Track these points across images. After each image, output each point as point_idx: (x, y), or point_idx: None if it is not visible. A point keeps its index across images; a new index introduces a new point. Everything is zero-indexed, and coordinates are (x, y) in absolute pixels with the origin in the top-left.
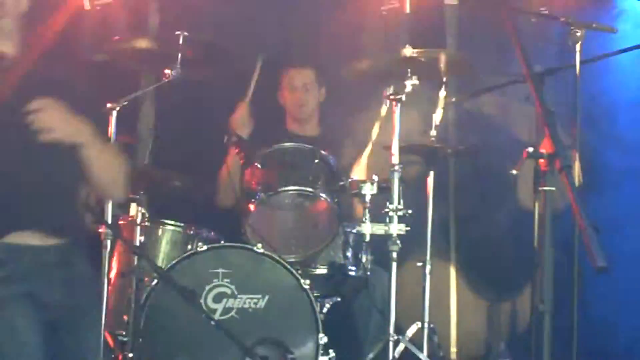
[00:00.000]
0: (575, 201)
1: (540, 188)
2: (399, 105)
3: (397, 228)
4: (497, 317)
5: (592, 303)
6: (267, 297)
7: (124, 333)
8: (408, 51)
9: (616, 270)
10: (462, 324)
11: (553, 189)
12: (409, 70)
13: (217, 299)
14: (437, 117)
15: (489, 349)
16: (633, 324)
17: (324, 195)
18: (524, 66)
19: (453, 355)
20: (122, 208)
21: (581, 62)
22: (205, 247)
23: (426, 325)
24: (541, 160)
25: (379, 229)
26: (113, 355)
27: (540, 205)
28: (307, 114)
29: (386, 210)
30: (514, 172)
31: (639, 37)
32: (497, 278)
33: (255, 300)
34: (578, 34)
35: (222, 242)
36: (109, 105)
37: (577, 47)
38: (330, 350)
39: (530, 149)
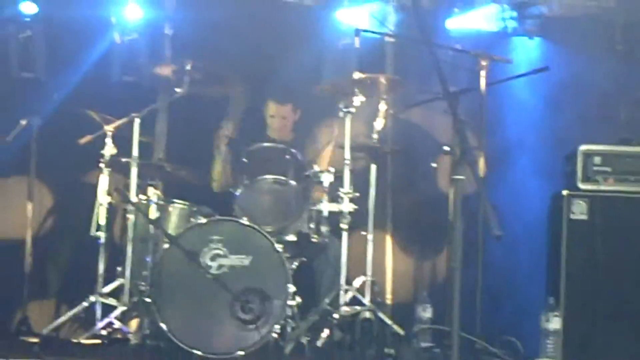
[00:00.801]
0: (479, 186)
1: (453, 177)
2: (350, 115)
3: (347, 207)
4: (421, 272)
5: (493, 263)
6: (250, 257)
7: (143, 284)
8: (357, 75)
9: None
10: (395, 277)
11: (463, 177)
12: (357, 89)
13: (213, 258)
14: (378, 124)
15: (415, 296)
16: (524, 274)
17: (293, 182)
18: (443, 87)
19: (388, 301)
20: (142, 191)
21: (486, 85)
22: (204, 220)
23: (369, 278)
24: (454, 157)
25: (334, 207)
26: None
27: (454, 189)
28: (286, 131)
29: (339, 193)
30: (434, 165)
31: (528, 67)
32: (422, 243)
33: (241, 259)
34: (483, 64)
35: (217, 216)
36: (133, 114)
37: (482, 73)
38: (297, 297)
39: (447, 148)
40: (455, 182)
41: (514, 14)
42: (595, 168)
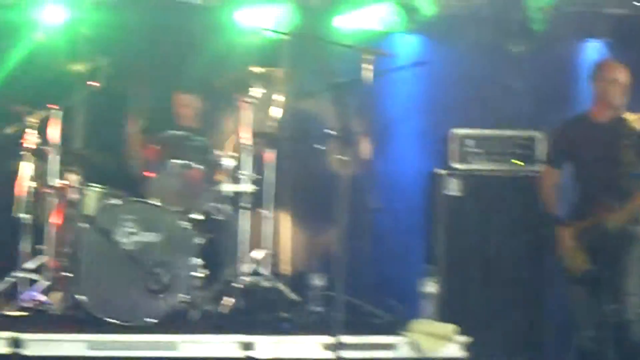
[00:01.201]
0: (362, 166)
1: (339, 157)
2: (250, 105)
3: (248, 187)
4: (315, 244)
5: (379, 234)
6: (160, 234)
7: (65, 260)
8: (256, 69)
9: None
10: (292, 250)
11: (347, 158)
12: (256, 82)
13: (126, 235)
14: (275, 113)
15: (309, 266)
16: (406, 243)
17: (199, 166)
18: (329, 79)
19: (285, 271)
20: (63, 177)
21: (372, 77)
22: (119, 201)
23: (267, 251)
24: (339, 140)
25: (237, 188)
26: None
27: (341, 168)
28: (191, 119)
29: (240, 175)
30: (323, 148)
31: (410, 60)
32: (316, 218)
33: (152, 236)
34: (368, 58)
35: (130, 198)
36: (54, 106)
37: (368, 66)
38: (203, 269)
39: (334, 132)
40: (340, 162)
41: (399, 13)
42: (468, 149)
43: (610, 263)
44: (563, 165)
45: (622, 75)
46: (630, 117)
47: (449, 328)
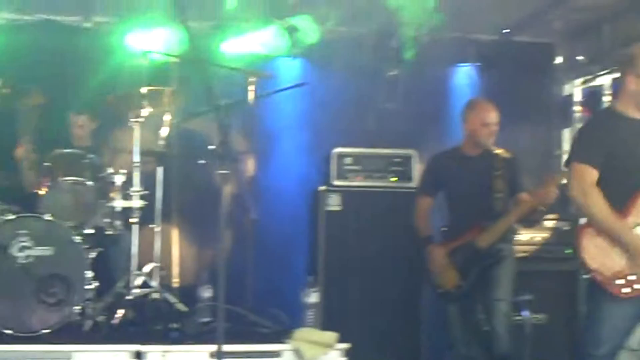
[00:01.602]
0: (242, 180)
1: (219, 171)
2: (139, 124)
3: (138, 203)
4: (203, 258)
5: (264, 246)
6: (54, 248)
7: None
8: (145, 89)
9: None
10: (181, 263)
11: (227, 171)
12: (145, 102)
13: (21, 250)
14: (164, 132)
15: (197, 278)
16: (290, 256)
17: (90, 182)
18: (211, 100)
19: (175, 284)
20: None
21: (254, 98)
22: (13, 217)
23: (157, 265)
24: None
25: (127, 204)
26: None
27: (224, 184)
28: (84, 139)
29: (130, 192)
30: (208, 164)
31: (288, 81)
32: (204, 232)
33: (46, 250)
34: (251, 80)
35: (24, 213)
36: None
37: (251, 87)
38: (95, 282)
39: (218, 149)
40: (220, 175)
41: (282, 38)
42: (346, 167)
43: (480, 279)
44: (436, 192)
45: (491, 116)
46: (498, 151)
47: (329, 336)
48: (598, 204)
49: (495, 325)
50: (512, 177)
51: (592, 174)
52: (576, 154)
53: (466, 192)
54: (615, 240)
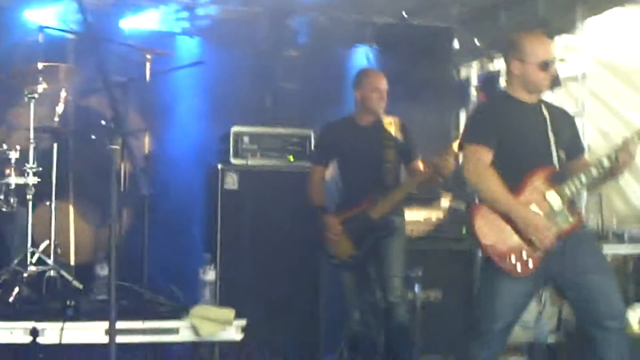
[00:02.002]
0: (131, 157)
1: (109, 146)
2: (34, 100)
3: (33, 180)
4: (100, 236)
5: (161, 224)
6: None
7: None
8: (40, 65)
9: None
10: (77, 241)
11: (117, 147)
12: (40, 77)
13: None
14: (59, 109)
15: (94, 256)
16: (188, 233)
17: None
18: (103, 76)
19: (72, 262)
20: None
21: (150, 75)
22: None
23: (53, 242)
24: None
25: (22, 181)
26: None
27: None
28: None
29: (25, 168)
30: (103, 141)
31: (187, 60)
32: (100, 210)
33: None
34: (147, 57)
35: None
36: None
37: (147, 65)
38: None
39: (103, 122)
40: (110, 150)
41: (181, 16)
42: (244, 146)
43: (373, 250)
44: (329, 162)
45: (382, 83)
46: (386, 120)
47: (226, 312)
48: (492, 183)
49: (390, 299)
50: (405, 146)
51: (487, 155)
52: (470, 136)
53: (358, 162)
54: (510, 217)
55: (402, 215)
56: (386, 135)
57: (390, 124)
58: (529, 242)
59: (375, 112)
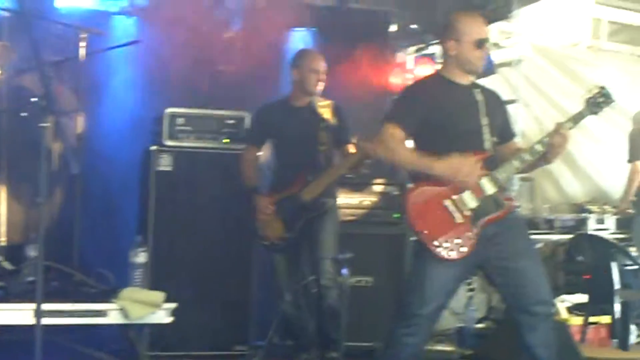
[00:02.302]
0: (59, 132)
1: (39, 125)
2: None
3: None
4: (33, 216)
5: (92, 206)
6: None
7: None
8: None
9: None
10: (8, 222)
11: (47, 124)
12: None
13: None
14: None
15: (25, 237)
16: (120, 215)
17: None
18: (36, 55)
19: (2, 243)
20: None
21: (85, 54)
22: None
23: None
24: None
25: None
26: None
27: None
28: None
29: None
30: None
31: (124, 40)
32: (30, 190)
33: None
34: (82, 36)
35: None
36: None
37: (82, 44)
38: None
39: (34, 99)
40: (41, 129)
41: None
42: (178, 127)
43: (305, 231)
44: (263, 143)
45: (320, 64)
46: (320, 103)
47: (156, 295)
48: (405, 153)
49: (321, 282)
50: (338, 129)
51: (399, 133)
52: (388, 114)
53: (292, 143)
54: (429, 173)
55: (335, 198)
56: (320, 118)
57: (325, 107)
58: (458, 189)
59: (312, 93)
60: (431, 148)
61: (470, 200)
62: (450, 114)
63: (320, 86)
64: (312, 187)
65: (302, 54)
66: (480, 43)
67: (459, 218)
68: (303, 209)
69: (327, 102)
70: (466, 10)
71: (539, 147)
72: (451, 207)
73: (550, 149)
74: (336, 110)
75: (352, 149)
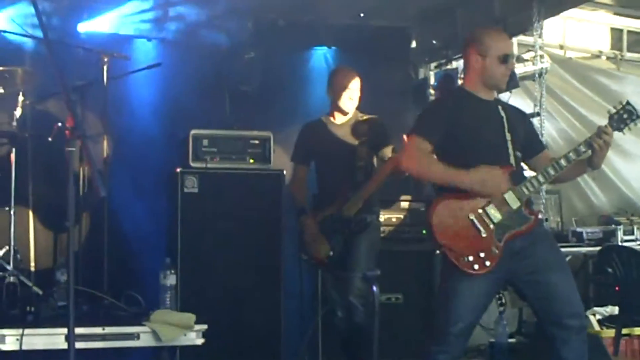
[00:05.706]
0: (88, 158)
1: (67, 149)
2: None
3: None
4: (61, 242)
5: (120, 229)
6: None
7: None
8: None
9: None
10: (37, 247)
11: (74, 149)
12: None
13: None
14: (17, 112)
15: (54, 262)
16: (148, 238)
17: None
18: (61, 80)
19: (32, 268)
20: None
21: (108, 78)
22: None
23: (13, 247)
24: (67, 131)
25: None
26: None
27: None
28: None
29: None
30: (50, 139)
31: (145, 63)
32: (61, 216)
33: None
34: (105, 60)
35: None
36: None
37: (104, 68)
38: None
39: (59, 125)
40: (68, 153)
41: (138, 18)
42: (203, 149)
43: (347, 248)
44: (309, 162)
45: (352, 81)
46: (360, 119)
47: (187, 317)
48: (432, 165)
49: (349, 298)
50: (376, 139)
51: (425, 145)
52: (414, 128)
53: (332, 160)
54: (459, 185)
55: (376, 214)
56: (360, 132)
57: (365, 122)
58: (487, 200)
59: (345, 110)
60: (456, 162)
61: (495, 214)
62: (475, 127)
63: (354, 103)
64: (352, 203)
65: (333, 73)
66: (506, 58)
67: (484, 232)
68: (344, 226)
69: (368, 116)
70: (487, 24)
71: (563, 162)
72: (476, 221)
73: (594, 151)
74: (375, 125)
75: (389, 153)
